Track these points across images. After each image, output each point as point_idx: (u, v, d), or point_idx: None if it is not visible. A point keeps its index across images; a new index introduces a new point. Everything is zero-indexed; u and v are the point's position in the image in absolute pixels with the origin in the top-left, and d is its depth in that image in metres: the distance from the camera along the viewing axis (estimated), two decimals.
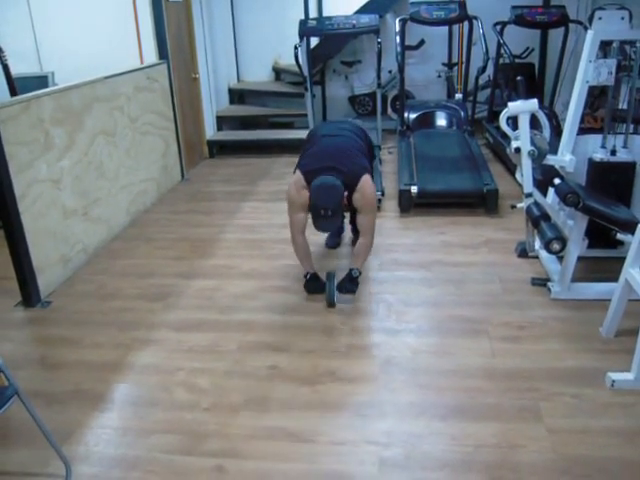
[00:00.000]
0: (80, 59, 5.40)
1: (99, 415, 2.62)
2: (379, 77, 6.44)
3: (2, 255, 3.56)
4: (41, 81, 5.34)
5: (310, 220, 3.25)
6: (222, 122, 7.33)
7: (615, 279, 2.88)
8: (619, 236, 3.06)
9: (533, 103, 3.34)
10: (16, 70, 4.92)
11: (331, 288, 3.40)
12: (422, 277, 3.73)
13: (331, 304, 3.39)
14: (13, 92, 4.75)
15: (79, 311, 3.54)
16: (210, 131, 7.03)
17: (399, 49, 6.26)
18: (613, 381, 2.59)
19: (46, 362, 3.06)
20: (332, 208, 3.10)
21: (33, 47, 5.79)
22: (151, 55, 5.58)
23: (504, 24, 6.15)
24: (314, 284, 3.52)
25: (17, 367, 2.81)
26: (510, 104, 3.39)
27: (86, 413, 2.63)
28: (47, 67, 5.72)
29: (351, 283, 3.46)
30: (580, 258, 3.31)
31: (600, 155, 3.46)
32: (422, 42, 7.41)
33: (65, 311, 3.55)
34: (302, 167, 3.34)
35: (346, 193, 3.20)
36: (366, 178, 3.30)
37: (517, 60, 6.19)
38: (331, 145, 3.44)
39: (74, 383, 2.85)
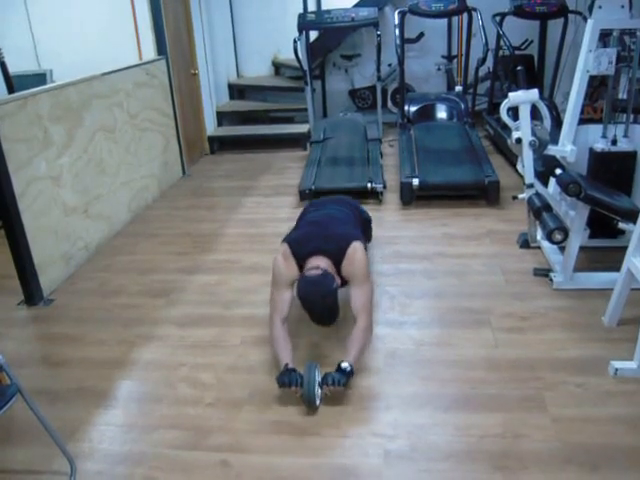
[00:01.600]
0: (78, 56, 5.38)
1: (103, 412, 2.62)
2: (379, 70, 6.43)
3: (3, 254, 3.56)
4: (39, 78, 5.33)
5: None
6: (222, 118, 7.32)
7: (617, 268, 2.88)
8: (621, 225, 3.06)
9: (534, 93, 3.33)
10: (14, 68, 4.89)
11: (311, 382, 2.50)
12: (424, 269, 3.73)
13: (310, 403, 2.51)
14: (11, 90, 4.71)
15: (82, 308, 3.54)
16: (210, 127, 7.02)
17: (398, 42, 6.25)
18: (616, 369, 2.59)
19: (49, 360, 3.07)
20: (328, 307, 2.71)
21: (31, 44, 5.76)
22: (150, 51, 5.56)
23: (503, 15, 6.12)
24: (290, 376, 2.55)
25: (20, 365, 2.81)
26: (511, 94, 3.38)
27: (90, 410, 2.63)
28: (45, 64, 5.70)
29: (340, 374, 2.56)
30: (582, 248, 3.30)
31: (601, 145, 3.45)
32: (421, 35, 7.39)
33: (68, 309, 3.55)
34: (289, 239, 3.03)
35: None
36: (356, 245, 2.87)
37: (516, 52, 6.17)
38: (317, 221, 3.22)
39: (77, 380, 2.85)
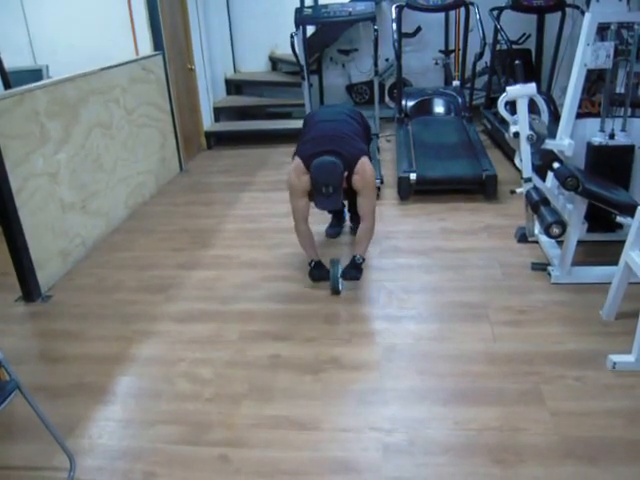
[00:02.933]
0: (74, 51, 5.38)
1: (102, 408, 2.62)
2: (376, 65, 6.41)
3: (1, 250, 3.54)
4: (35, 74, 5.30)
5: (312, 205, 3.33)
6: (219, 113, 7.30)
7: (615, 262, 2.88)
8: (619, 219, 3.05)
9: (531, 87, 3.33)
10: (9, 64, 4.88)
11: (335, 275, 3.37)
12: (422, 264, 3.73)
13: (336, 291, 3.38)
14: (7, 86, 4.71)
15: (80, 305, 3.53)
16: (207, 122, 7.00)
17: (396, 36, 6.23)
18: (614, 363, 2.60)
19: (48, 356, 3.07)
20: (333, 184, 3.12)
21: (26, 40, 5.74)
22: (146, 46, 5.54)
23: (501, 9, 6.11)
24: (319, 272, 3.51)
25: (19, 362, 2.80)
26: (509, 88, 3.38)
27: (89, 406, 2.63)
28: (41, 60, 5.68)
29: (355, 270, 3.46)
30: (580, 242, 3.31)
31: (599, 139, 3.45)
32: (419, 29, 7.38)
33: (66, 305, 3.54)
34: (301, 153, 3.34)
35: (346, 173, 3.22)
36: (365, 160, 3.32)
37: (514, 46, 6.16)
38: (329, 130, 3.43)
39: (76, 376, 2.84)
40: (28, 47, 5.77)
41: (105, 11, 5.58)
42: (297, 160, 3.33)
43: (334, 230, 4.23)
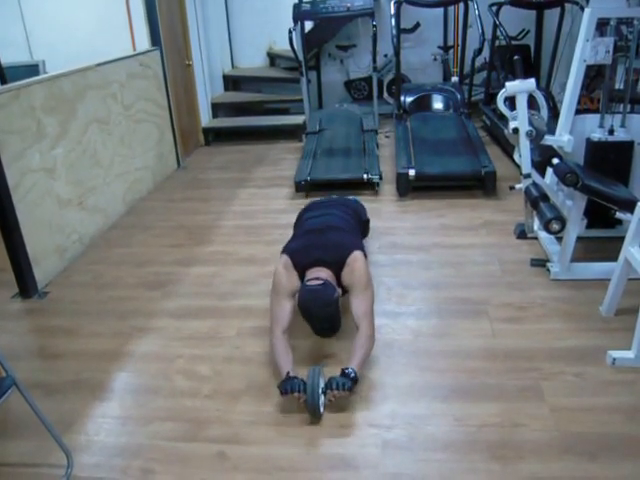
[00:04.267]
0: (71, 47, 5.35)
1: (99, 404, 2.61)
2: (375, 61, 6.39)
3: None
4: (32, 70, 5.27)
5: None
6: (217, 109, 7.28)
7: (614, 258, 2.87)
8: (618, 215, 3.05)
9: (531, 83, 3.31)
10: (6, 59, 4.85)
11: (315, 388, 2.41)
12: (421, 260, 3.72)
13: (315, 411, 2.41)
14: (3, 81, 4.68)
15: (77, 301, 3.52)
16: (205, 118, 6.97)
17: (395, 32, 6.21)
18: (614, 359, 2.59)
19: (45, 352, 3.05)
20: (330, 322, 2.82)
21: (23, 35, 5.72)
22: (143, 42, 5.52)
23: (500, 5, 6.09)
24: (292, 382, 2.46)
25: (16, 358, 2.79)
26: (508, 84, 3.37)
27: (86, 403, 2.61)
28: (37, 55, 5.66)
29: (344, 378, 2.47)
30: (579, 238, 3.30)
31: (598, 135, 3.43)
32: (417, 25, 7.35)
33: (63, 301, 3.53)
34: (289, 249, 2.98)
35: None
36: (356, 254, 2.84)
37: (513, 42, 6.14)
38: (318, 224, 3.18)
39: (73, 373, 2.83)
40: (25, 42, 5.74)
41: (102, 6, 5.55)
42: (284, 257, 2.90)
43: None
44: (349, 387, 2.43)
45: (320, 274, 2.74)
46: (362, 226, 3.51)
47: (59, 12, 5.58)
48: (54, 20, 5.59)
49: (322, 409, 2.44)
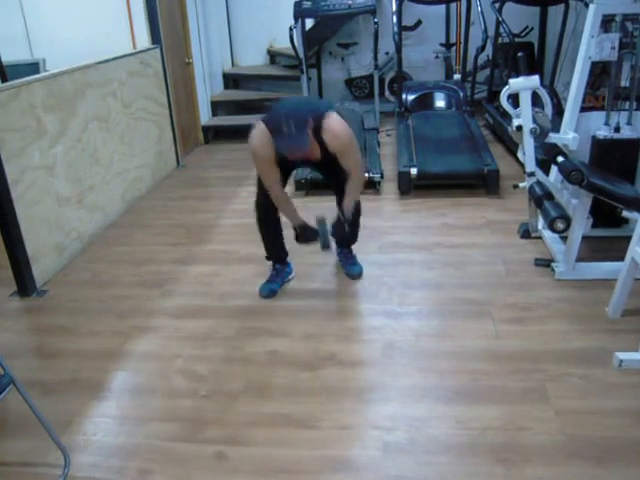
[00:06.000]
0: (71, 45, 5.33)
1: (97, 404, 2.58)
2: (376, 59, 6.36)
3: None
4: (32, 68, 5.26)
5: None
6: (217, 107, 7.25)
7: (621, 258, 2.83)
8: (624, 214, 3.00)
9: (535, 79, 3.28)
10: (6, 57, 4.83)
11: (324, 230, 3.11)
12: (423, 259, 3.68)
13: (326, 246, 3.13)
14: (4, 79, 4.67)
15: (75, 299, 3.49)
16: (205, 116, 6.94)
17: (396, 30, 6.17)
18: (621, 361, 2.54)
19: (43, 351, 3.02)
20: (295, 119, 2.71)
21: (23, 33, 5.70)
22: (144, 40, 5.49)
23: (503, 2, 6.06)
24: (306, 232, 3.21)
25: (13, 357, 2.77)
26: (511, 80, 3.33)
27: (84, 402, 2.58)
28: (38, 54, 5.64)
29: (344, 225, 3.15)
30: (585, 237, 3.25)
31: (603, 132, 3.39)
32: (419, 22, 7.32)
33: (61, 300, 3.50)
34: (264, 119, 2.96)
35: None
36: (331, 114, 2.91)
37: (516, 39, 6.10)
38: (290, 101, 3.22)
39: (71, 372, 2.80)
40: (25, 40, 5.72)
41: (103, 4, 5.53)
42: (260, 125, 2.93)
43: (271, 287, 3.43)
44: (347, 234, 3.27)
45: None
46: None
47: (60, 10, 5.56)
48: (55, 18, 5.57)
49: (331, 245, 3.18)
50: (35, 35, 5.71)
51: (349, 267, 3.55)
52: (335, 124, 2.90)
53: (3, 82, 4.45)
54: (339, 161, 3.01)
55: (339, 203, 3.25)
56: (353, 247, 3.60)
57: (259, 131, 2.92)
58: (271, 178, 3.07)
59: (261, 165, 3.04)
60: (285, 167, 3.12)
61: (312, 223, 3.19)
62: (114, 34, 5.53)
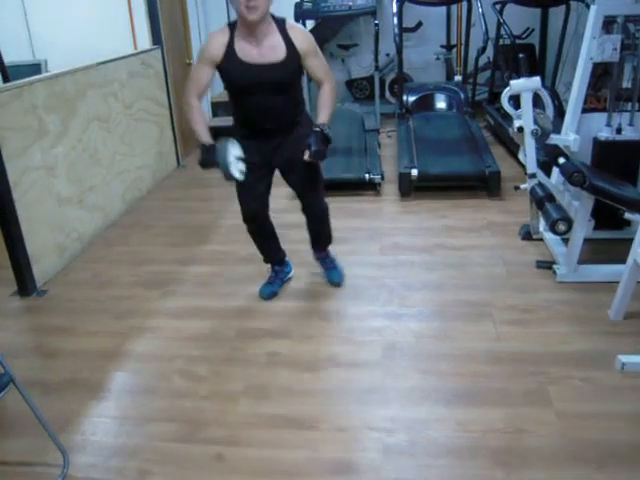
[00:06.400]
0: (73, 46, 5.33)
1: (96, 404, 2.57)
2: (377, 60, 6.35)
3: None
4: (34, 68, 5.26)
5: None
6: (217, 108, 7.24)
7: (623, 260, 2.82)
8: (627, 216, 2.98)
9: (536, 80, 3.27)
10: (8, 58, 4.84)
11: (225, 155, 2.64)
12: (424, 261, 3.67)
13: (228, 176, 2.67)
14: (6, 79, 4.68)
15: (75, 299, 3.48)
16: (205, 117, 6.92)
17: (397, 31, 6.16)
18: (623, 364, 2.52)
19: (42, 351, 3.02)
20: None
21: (26, 35, 5.71)
22: (145, 41, 5.49)
23: (504, 3, 6.05)
24: (207, 154, 2.75)
25: (13, 356, 2.75)
26: (512, 81, 3.32)
27: (83, 402, 2.58)
28: (40, 55, 5.64)
29: (322, 142, 2.81)
30: (586, 240, 3.24)
31: (605, 134, 3.38)
32: (420, 24, 7.31)
33: (61, 300, 3.49)
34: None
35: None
36: (291, 22, 2.83)
37: (517, 41, 6.10)
38: None
39: (71, 372, 2.80)
40: (27, 41, 5.73)
41: (105, 5, 5.55)
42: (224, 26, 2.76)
43: (271, 289, 3.39)
44: (325, 153, 2.80)
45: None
46: None
47: (61, 11, 5.58)
48: (56, 19, 5.60)
49: (238, 175, 2.69)
50: (37, 36, 5.72)
51: (328, 273, 3.45)
52: (296, 25, 2.85)
53: (5, 82, 4.47)
54: (306, 63, 2.83)
55: (305, 210, 3.20)
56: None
57: (219, 28, 2.78)
58: (200, 79, 2.80)
59: (201, 56, 2.77)
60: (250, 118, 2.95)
61: None
62: (115, 35, 5.54)
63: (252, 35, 2.70)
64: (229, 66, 2.74)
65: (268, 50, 2.72)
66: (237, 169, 2.67)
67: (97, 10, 5.52)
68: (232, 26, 2.75)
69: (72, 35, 5.50)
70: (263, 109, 2.86)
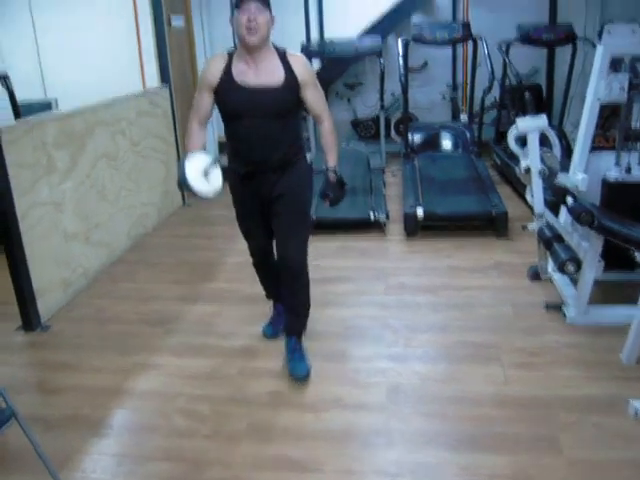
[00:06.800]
0: (84, 85, 5.44)
1: (97, 441, 2.53)
2: (382, 99, 6.40)
3: (3, 278, 3.48)
4: (45, 106, 5.38)
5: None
6: (224, 147, 7.26)
7: (635, 302, 2.77)
8: (638, 256, 2.93)
9: (542, 119, 3.25)
10: (21, 96, 4.94)
11: (182, 165, 2.53)
12: (429, 302, 3.62)
13: (184, 186, 2.54)
14: (17, 116, 4.78)
15: (79, 335, 3.45)
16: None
17: (402, 71, 6.22)
18: (637, 410, 2.45)
19: (45, 387, 2.99)
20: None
21: (38, 74, 5.82)
22: (153, 80, 5.57)
23: (509, 44, 6.11)
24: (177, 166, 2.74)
25: (16, 391, 2.70)
26: (519, 120, 3.30)
27: (84, 439, 2.54)
28: (51, 93, 5.74)
29: (337, 186, 2.90)
30: (597, 281, 3.18)
31: (614, 174, 3.32)
32: (425, 64, 7.38)
33: (65, 335, 3.47)
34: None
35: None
36: (290, 51, 2.76)
37: (523, 81, 6.12)
38: None
39: (72, 408, 2.76)
40: (39, 80, 5.84)
41: (115, 46, 5.69)
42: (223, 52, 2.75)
43: (274, 329, 3.30)
44: (342, 196, 2.94)
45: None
46: None
47: (73, 52, 5.74)
48: (68, 60, 5.78)
49: (206, 188, 2.57)
50: (49, 75, 5.83)
51: (293, 364, 2.93)
52: (296, 55, 2.77)
53: (17, 119, 4.54)
54: (305, 94, 2.72)
55: (280, 261, 2.94)
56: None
57: (219, 54, 2.75)
58: (200, 107, 2.76)
59: (200, 83, 2.75)
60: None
61: None
62: (125, 74, 5.63)
63: (250, 57, 2.65)
64: (224, 88, 2.67)
65: (265, 72, 2.64)
66: (206, 182, 2.50)
67: (107, 50, 5.66)
68: (231, 53, 2.72)
69: (83, 75, 5.63)
70: (254, 137, 2.69)
